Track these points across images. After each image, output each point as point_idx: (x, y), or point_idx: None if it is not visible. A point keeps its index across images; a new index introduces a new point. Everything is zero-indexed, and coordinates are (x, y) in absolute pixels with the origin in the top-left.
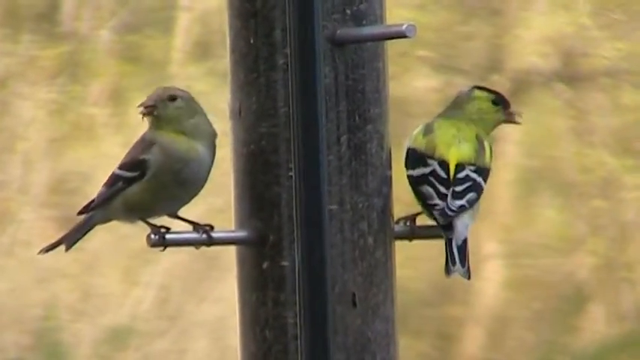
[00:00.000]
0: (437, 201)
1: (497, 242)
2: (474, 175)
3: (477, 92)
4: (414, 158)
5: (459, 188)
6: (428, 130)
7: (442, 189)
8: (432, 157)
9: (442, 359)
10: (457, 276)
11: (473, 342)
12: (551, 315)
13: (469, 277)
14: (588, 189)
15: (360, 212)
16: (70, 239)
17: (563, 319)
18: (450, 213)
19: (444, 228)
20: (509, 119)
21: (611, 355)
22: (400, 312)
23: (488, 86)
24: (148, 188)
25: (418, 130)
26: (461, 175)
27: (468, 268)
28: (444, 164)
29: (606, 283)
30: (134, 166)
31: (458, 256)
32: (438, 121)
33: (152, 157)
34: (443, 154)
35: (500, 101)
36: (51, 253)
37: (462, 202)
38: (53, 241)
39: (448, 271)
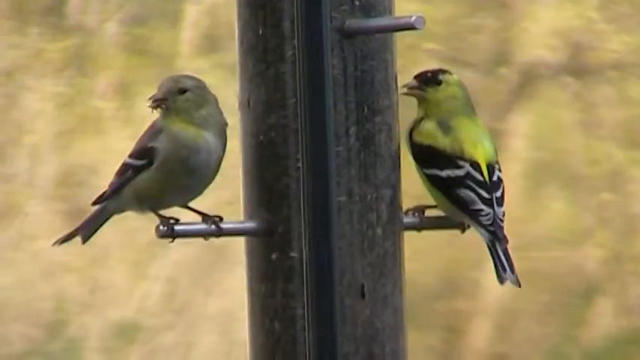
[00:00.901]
0: (482, 206)
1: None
2: (501, 175)
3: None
4: (440, 158)
5: (498, 193)
6: (444, 127)
7: (484, 193)
8: (461, 158)
9: (450, 352)
10: (509, 284)
11: (481, 335)
12: (559, 308)
13: (519, 285)
14: (596, 182)
15: (368, 203)
16: (86, 231)
17: (571, 312)
18: (500, 223)
19: (492, 234)
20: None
21: (619, 348)
22: (408, 306)
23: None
24: (155, 177)
25: (430, 126)
26: (494, 177)
27: (516, 275)
28: (475, 165)
29: (614, 276)
30: (143, 154)
31: (507, 263)
32: (453, 118)
33: (160, 144)
34: (472, 154)
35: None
36: (58, 245)
37: (503, 207)
38: (66, 232)
39: (501, 278)
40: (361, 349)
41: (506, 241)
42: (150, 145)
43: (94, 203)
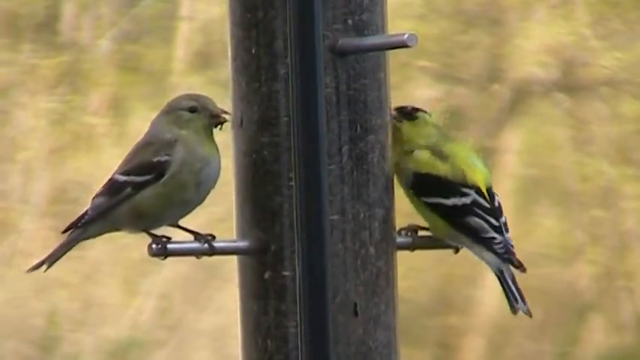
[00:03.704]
0: (494, 234)
1: None
2: (500, 200)
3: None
4: (442, 186)
5: (503, 219)
6: (439, 154)
7: (492, 220)
8: (465, 185)
9: None
10: (522, 314)
11: (474, 352)
12: (552, 324)
13: (531, 315)
14: (588, 198)
15: (361, 222)
16: (54, 257)
17: (563, 329)
18: (512, 249)
19: (507, 261)
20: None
21: None
22: (401, 322)
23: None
24: (162, 191)
25: (424, 155)
26: (496, 202)
27: (527, 304)
28: (479, 192)
29: (606, 293)
30: (147, 169)
31: (518, 293)
32: (445, 145)
33: (175, 155)
34: (474, 180)
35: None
36: (30, 272)
37: (509, 233)
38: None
39: (514, 309)
40: None
41: (524, 269)
42: (156, 159)
43: (66, 230)
